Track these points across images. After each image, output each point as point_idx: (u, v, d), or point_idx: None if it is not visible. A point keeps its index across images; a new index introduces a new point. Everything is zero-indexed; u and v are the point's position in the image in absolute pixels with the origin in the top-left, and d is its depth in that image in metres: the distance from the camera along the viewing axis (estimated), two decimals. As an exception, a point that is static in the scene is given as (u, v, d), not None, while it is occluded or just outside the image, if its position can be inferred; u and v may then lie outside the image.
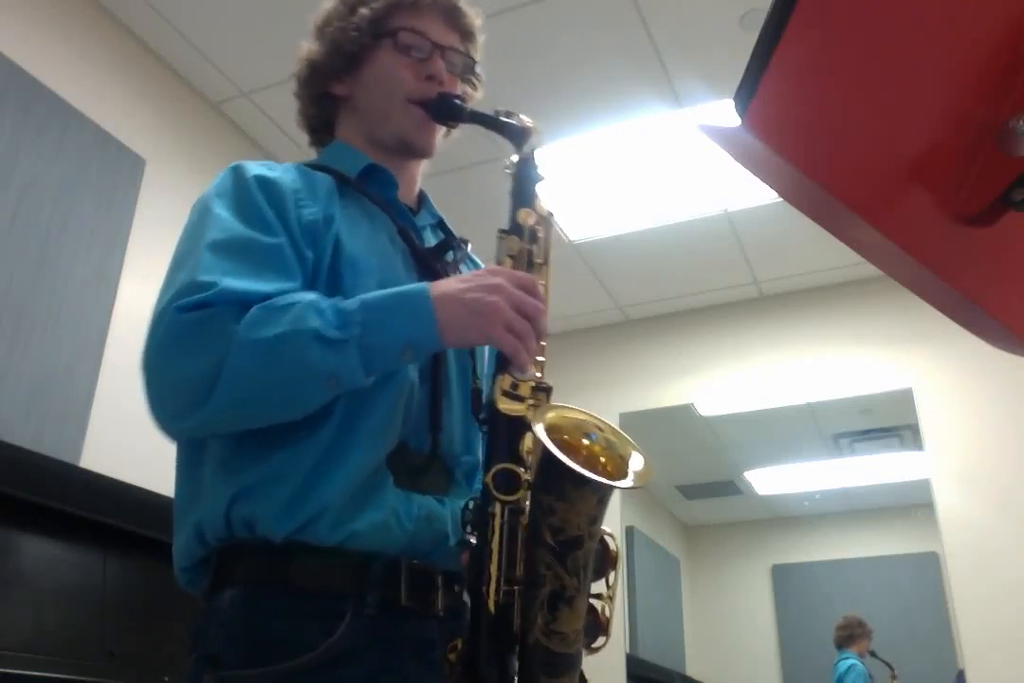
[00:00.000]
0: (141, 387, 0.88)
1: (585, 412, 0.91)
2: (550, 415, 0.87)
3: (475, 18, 1.17)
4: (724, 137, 0.57)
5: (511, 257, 0.96)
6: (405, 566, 0.91)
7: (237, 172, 1.01)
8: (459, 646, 0.85)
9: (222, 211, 0.96)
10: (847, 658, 4.65)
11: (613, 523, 4.19)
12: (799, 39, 0.51)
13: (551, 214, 1.04)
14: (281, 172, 1.03)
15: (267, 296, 0.88)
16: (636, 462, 0.87)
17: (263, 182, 0.99)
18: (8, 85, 2.30)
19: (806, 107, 0.55)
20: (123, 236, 2.58)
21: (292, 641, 0.85)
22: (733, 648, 6.39)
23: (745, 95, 0.52)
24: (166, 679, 1.89)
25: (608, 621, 0.89)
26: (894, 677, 4.70)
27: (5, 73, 2.30)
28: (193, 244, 0.94)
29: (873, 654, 4.67)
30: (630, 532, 4.95)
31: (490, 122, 1.09)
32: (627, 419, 4.16)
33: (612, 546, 0.91)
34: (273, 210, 0.97)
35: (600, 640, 0.89)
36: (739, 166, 0.58)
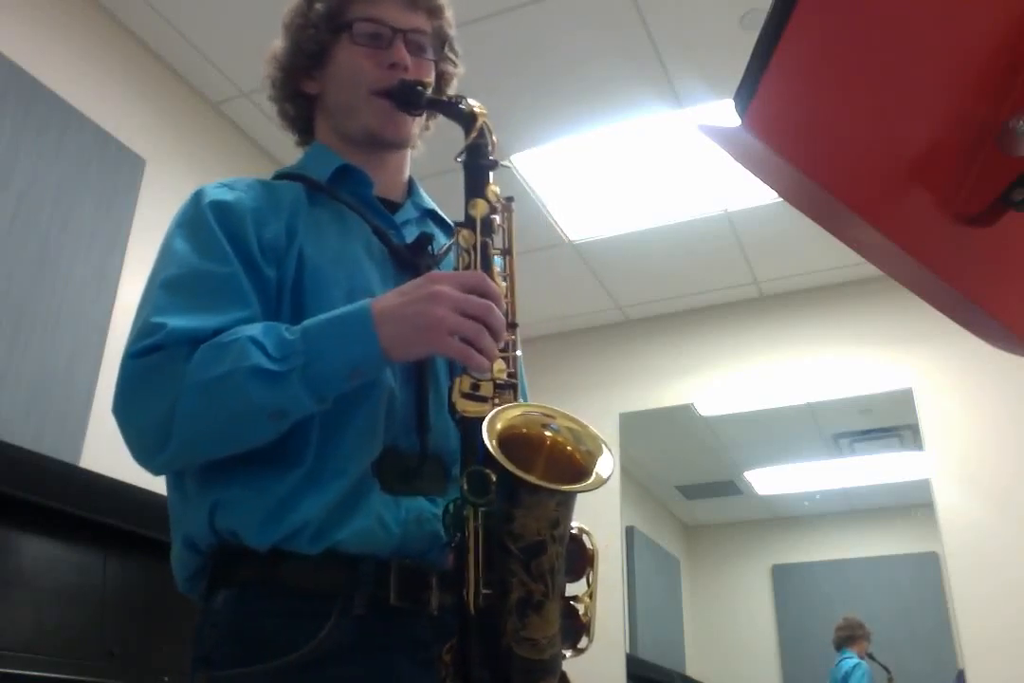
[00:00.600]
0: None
1: (547, 406, 0.88)
2: (507, 413, 0.85)
3: None
4: (724, 137, 0.57)
5: (466, 251, 0.94)
6: (395, 566, 0.90)
7: (195, 200, 1.01)
8: (455, 646, 0.84)
9: (179, 244, 0.97)
10: (850, 657, 4.64)
11: (613, 523, 4.20)
12: (799, 39, 0.51)
13: (510, 199, 1.01)
14: (241, 191, 1.02)
15: (216, 331, 0.88)
16: (605, 463, 0.85)
17: (218, 208, 0.99)
18: (8, 85, 2.30)
19: (806, 107, 0.55)
20: (123, 236, 2.58)
21: (280, 641, 0.85)
22: (733, 648, 6.39)
23: (745, 95, 0.52)
24: (166, 679, 1.89)
25: (590, 622, 0.88)
26: (890, 680, 4.69)
27: (5, 73, 2.30)
28: (151, 283, 0.96)
29: (871, 657, 4.66)
30: (630, 532, 4.95)
31: (444, 108, 1.06)
32: (627, 419, 4.16)
33: (588, 544, 0.90)
34: (228, 237, 0.96)
35: (584, 641, 0.88)
36: (739, 166, 0.58)
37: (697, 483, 5.91)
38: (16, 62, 2.34)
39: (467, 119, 1.02)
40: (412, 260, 1.04)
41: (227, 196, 1.00)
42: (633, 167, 3.32)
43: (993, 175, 0.58)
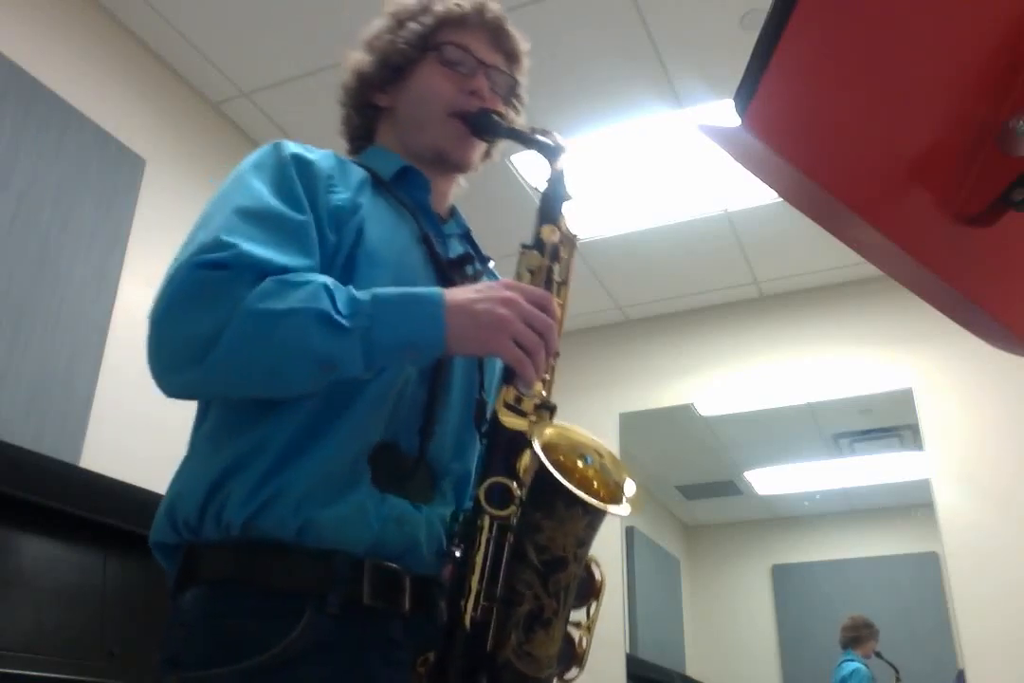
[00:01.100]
0: (146, 338, 0.89)
1: (585, 434, 0.89)
2: (549, 432, 0.85)
3: (522, 42, 1.20)
4: (724, 137, 0.56)
5: (530, 272, 0.97)
6: (369, 565, 0.89)
7: (277, 149, 1.02)
8: (429, 659, 0.83)
9: (255, 182, 0.97)
10: (851, 661, 4.63)
11: (613, 523, 4.20)
12: (799, 39, 0.51)
13: (576, 236, 1.05)
14: (319, 156, 1.04)
15: (284, 268, 0.88)
16: (629, 489, 0.85)
17: (300, 161, 1.00)
18: (8, 85, 2.30)
19: (806, 107, 0.55)
20: (123, 236, 2.58)
21: (252, 640, 0.84)
22: (733, 648, 6.39)
23: (745, 95, 0.52)
24: (166, 679, 1.89)
25: (584, 653, 0.87)
26: (898, 679, 4.69)
27: (5, 73, 2.30)
28: (220, 207, 0.95)
29: (879, 655, 4.66)
30: (630, 532, 4.95)
31: (525, 139, 1.10)
32: (627, 419, 4.16)
33: (597, 575, 0.90)
34: (305, 189, 0.98)
35: (573, 671, 0.87)
36: (739, 166, 0.58)
37: (697, 483, 5.91)
38: (16, 62, 2.34)
39: (552, 150, 1.07)
40: (449, 275, 1.06)
41: (308, 155, 1.02)
42: (633, 167, 3.32)
43: (993, 175, 0.58)
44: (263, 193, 0.96)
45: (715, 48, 2.74)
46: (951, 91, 0.58)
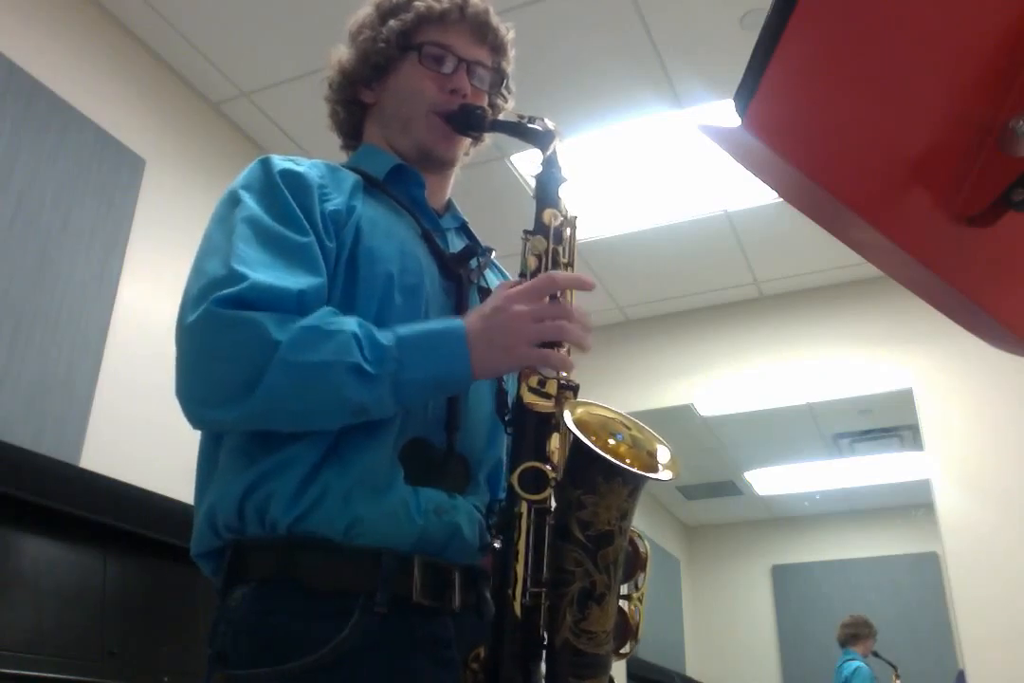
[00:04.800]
0: (173, 365, 0.90)
1: (610, 409, 0.90)
2: (579, 411, 0.86)
3: (506, 32, 1.19)
4: (724, 137, 0.56)
5: (537, 257, 0.98)
6: (418, 562, 0.90)
7: (264, 166, 1.02)
8: (481, 654, 0.83)
9: (251, 203, 0.97)
10: (852, 659, 4.64)
11: (613, 523, 4.19)
12: (799, 39, 0.51)
13: (575, 217, 1.06)
14: (307, 166, 1.04)
15: (300, 293, 0.90)
16: (663, 456, 0.86)
17: (289, 176, 1.00)
18: (8, 85, 2.30)
19: (806, 107, 0.55)
20: (123, 236, 2.58)
21: (300, 640, 0.84)
22: (733, 648, 6.40)
23: (745, 95, 0.52)
24: (166, 679, 1.89)
25: (638, 625, 0.87)
26: (897, 676, 4.70)
27: (5, 73, 2.30)
28: (224, 233, 0.95)
29: (876, 654, 4.67)
30: (630, 532, 4.93)
31: (513, 129, 1.11)
32: (627, 419, 4.16)
33: (642, 547, 0.90)
34: (299, 205, 0.98)
35: (628, 645, 0.87)
36: (739, 166, 0.58)
37: (697, 483, 5.91)
38: (16, 62, 2.34)
39: (542, 136, 1.09)
40: (455, 270, 1.07)
41: (296, 167, 1.03)
42: (633, 167, 3.33)
43: (993, 175, 0.58)
44: (261, 216, 0.96)
45: (715, 48, 2.74)
46: (951, 91, 0.58)
